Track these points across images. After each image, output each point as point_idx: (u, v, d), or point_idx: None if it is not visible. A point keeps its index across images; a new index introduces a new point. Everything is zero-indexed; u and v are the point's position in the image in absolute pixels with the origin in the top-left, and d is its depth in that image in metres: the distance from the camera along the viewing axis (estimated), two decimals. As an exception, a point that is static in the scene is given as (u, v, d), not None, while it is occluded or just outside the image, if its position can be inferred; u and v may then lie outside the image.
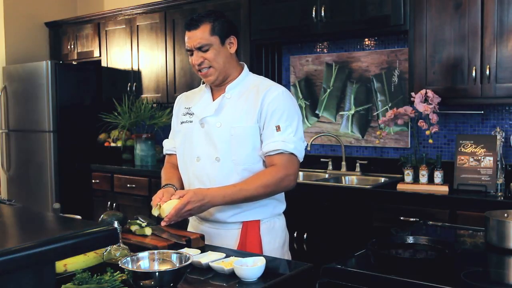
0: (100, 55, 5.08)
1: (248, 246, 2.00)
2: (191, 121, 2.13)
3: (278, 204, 2.12)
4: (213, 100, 2.11)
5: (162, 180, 2.21)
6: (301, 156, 2.04)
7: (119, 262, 1.50)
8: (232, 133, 2.02)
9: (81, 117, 4.99)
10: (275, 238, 2.09)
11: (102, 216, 2.06)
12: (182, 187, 2.16)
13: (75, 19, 5.28)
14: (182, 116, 2.18)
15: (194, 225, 2.17)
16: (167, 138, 2.32)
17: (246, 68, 2.16)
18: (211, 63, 2.03)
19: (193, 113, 2.13)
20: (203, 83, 2.19)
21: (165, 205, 1.90)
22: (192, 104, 2.17)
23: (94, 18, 5.09)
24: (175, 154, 2.23)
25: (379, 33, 3.66)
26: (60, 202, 4.44)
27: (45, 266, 1.09)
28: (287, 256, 2.15)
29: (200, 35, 2.01)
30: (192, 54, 2.06)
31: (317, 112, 4.10)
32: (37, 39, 5.48)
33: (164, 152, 2.32)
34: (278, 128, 1.99)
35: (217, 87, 2.12)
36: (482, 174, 3.03)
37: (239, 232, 2.04)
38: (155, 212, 1.93)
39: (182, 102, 2.25)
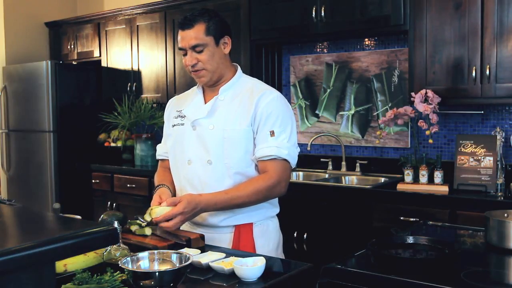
0: (100, 55, 5.08)
1: (241, 249, 1.98)
2: (182, 124, 2.10)
3: (271, 207, 2.10)
4: (205, 102, 2.08)
5: (155, 183, 2.19)
6: (294, 162, 2.02)
7: (119, 262, 1.50)
8: (225, 136, 1.99)
9: (81, 117, 4.99)
10: (268, 241, 2.08)
11: (102, 216, 2.06)
12: (175, 190, 2.15)
13: (75, 19, 5.28)
14: (174, 119, 2.15)
15: (185, 229, 2.15)
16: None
17: (239, 69, 2.13)
18: (204, 65, 2.00)
19: (184, 116, 2.10)
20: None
21: (157, 209, 1.87)
22: (183, 107, 2.14)
23: (94, 18, 5.09)
24: (168, 159, 2.21)
25: (379, 33, 3.66)
26: (60, 202, 4.44)
27: (45, 266, 1.09)
28: (281, 258, 2.14)
29: (195, 34, 1.97)
30: (185, 54, 2.02)
31: (317, 112, 4.10)
32: (37, 39, 5.48)
33: (157, 157, 2.30)
34: (272, 133, 1.96)
35: (210, 88, 2.09)
36: (482, 174, 3.03)
37: (232, 236, 2.02)
38: (147, 217, 1.88)
39: (173, 105, 2.22)
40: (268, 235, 2.08)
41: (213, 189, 1.98)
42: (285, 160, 1.98)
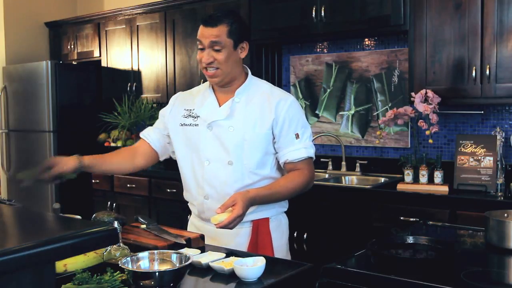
0: (100, 55, 5.08)
1: (259, 244, 2.05)
2: (196, 124, 2.11)
3: (283, 203, 2.18)
4: (219, 104, 2.10)
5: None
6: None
7: (119, 262, 1.50)
8: (246, 138, 2.03)
9: (81, 117, 4.99)
10: (282, 235, 2.16)
11: (93, 216, 2.04)
12: (108, 167, 2.19)
13: (75, 19, 5.28)
14: (183, 118, 2.15)
15: (198, 226, 2.17)
16: None
17: (249, 71, 2.17)
18: (220, 65, 2.02)
19: (197, 116, 2.11)
20: (204, 81, 2.19)
21: (218, 217, 1.88)
22: (193, 106, 2.14)
23: (94, 18, 5.09)
24: (149, 144, 2.22)
25: (379, 33, 3.66)
26: (60, 202, 4.42)
27: (45, 266, 1.09)
28: (289, 252, 2.23)
29: (216, 33, 2.00)
30: (202, 49, 2.04)
31: (317, 112, 4.10)
32: (37, 39, 5.48)
33: (143, 134, 2.27)
34: (297, 136, 2.07)
35: (222, 89, 2.11)
36: (482, 174, 3.03)
37: (250, 230, 2.07)
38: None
39: (180, 102, 2.20)
40: (281, 229, 2.17)
41: (232, 189, 2.04)
42: (311, 157, 2.11)
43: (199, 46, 2.05)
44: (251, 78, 2.14)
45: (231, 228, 1.88)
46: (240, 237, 2.06)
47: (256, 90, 2.11)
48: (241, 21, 2.07)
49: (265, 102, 2.07)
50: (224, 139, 2.05)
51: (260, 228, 2.07)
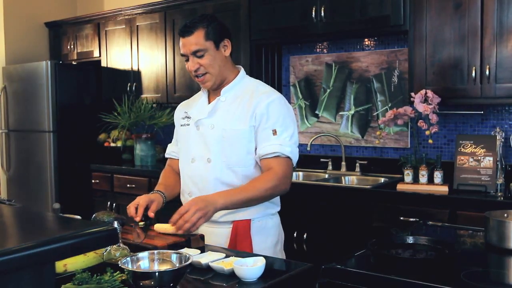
0: (100, 55, 5.08)
1: (238, 245, 2.03)
2: (188, 124, 2.19)
3: (270, 205, 2.13)
4: (209, 103, 2.16)
5: (158, 182, 2.26)
6: (295, 160, 2.07)
7: (119, 262, 1.50)
8: (224, 135, 2.05)
9: (81, 117, 4.99)
10: (266, 238, 2.11)
11: (93, 216, 2.05)
12: (178, 192, 2.21)
13: (75, 19, 5.28)
14: (182, 120, 2.24)
15: None
16: (167, 138, 2.38)
17: (242, 71, 2.18)
18: (207, 69, 2.06)
19: (190, 117, 2.19)
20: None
21: (158, 225, 1.91)
22: (189, 109, 2.23)
23: (94, 18, 5.09)
24: (174, 159, 2.30)
25: (379, 33, 3.66)
26: (60, 202, 4.43)
27: (45, 266, 1.09)
28: (281, 256, 2.17)
29: (195, 40, 2.04)
30: (187, 60, 2.09)
31: (317, 112, 4.10)
32: (37, 39, 5.48)
33: (167, 154, 2.36)
34: (274, 132, 2.01)
35: (215, 91, 2.16)
36: (482, 174, 3.03)
37: (229, 231, 2.06)
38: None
39: (181, 109, 2.30)
40: (266, 232, 2.11)
41: (212, 186, 2.05)
42: (288, 157, 2.02)
43: (184, 58, 2.10)
44: (241, 77, 2.16)
45: (190, 228, 1.84)
46: (219, 238, 2.05)
47: (244, 88, 2.13)
48: (216, 21, 2.10)
49: (248, 99, 2.07)
50: (206, 137, 2.09)
51: (240, 230, 2.05)
